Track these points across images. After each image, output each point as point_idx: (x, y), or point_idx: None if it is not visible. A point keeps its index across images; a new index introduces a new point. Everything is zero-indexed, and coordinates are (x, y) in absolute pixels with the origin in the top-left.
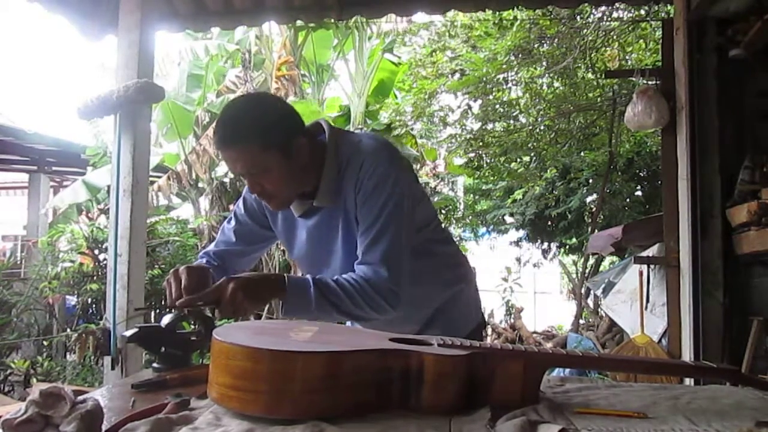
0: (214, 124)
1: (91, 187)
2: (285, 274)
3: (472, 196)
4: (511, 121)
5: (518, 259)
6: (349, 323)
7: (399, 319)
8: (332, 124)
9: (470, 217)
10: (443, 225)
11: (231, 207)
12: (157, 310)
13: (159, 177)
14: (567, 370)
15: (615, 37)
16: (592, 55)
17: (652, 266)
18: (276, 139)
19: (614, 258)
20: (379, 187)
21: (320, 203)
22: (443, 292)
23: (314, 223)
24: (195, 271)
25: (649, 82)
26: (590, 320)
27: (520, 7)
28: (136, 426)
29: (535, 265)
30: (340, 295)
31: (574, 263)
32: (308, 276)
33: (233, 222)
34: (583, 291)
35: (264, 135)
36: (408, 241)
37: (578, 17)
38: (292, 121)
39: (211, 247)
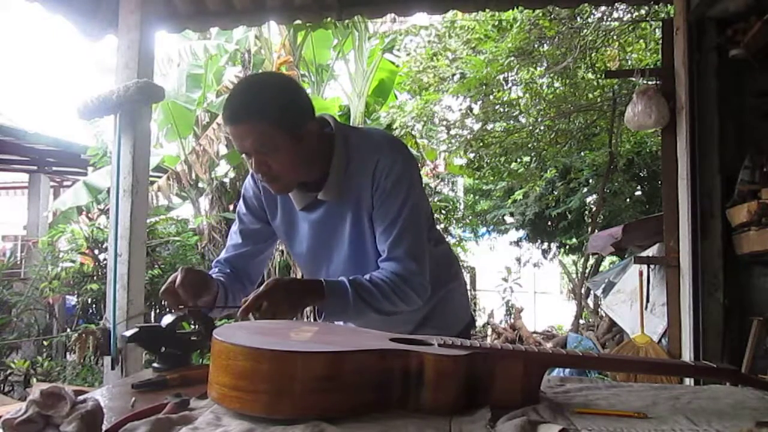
0: (226, 98)
1: (92, 188)
2: (323, 279)
3: (472, 196)
4: (512, 122)
5: (518, 259)
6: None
7: (394, 319)
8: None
9: (470, 217)
10: (437, 224)
11: (231, 207)
12: (157, 310)
13: (159, 177)
14: (567, 370)
15: (615, 37)
16: (592, 55)
17: (652, 266)
18: (290, 119)
19: (614, 258)
20: (397, 186)
21: (326, 197)
22: (437, 291)
23: (318, 217)
24: (190, 271)
25: (649, 82)
26: (590, 320)
27: (520, 7)
28: (136, 426)
29: (535, 265)
30: (376, 295)
31: (574, 263)
32: (343, 278)
33: (237, 223)
34: (583, 291)
35: (278, 113)
36: (425, 234)
37: (578, 17)
38: (306, 104)
39: (222, 254)
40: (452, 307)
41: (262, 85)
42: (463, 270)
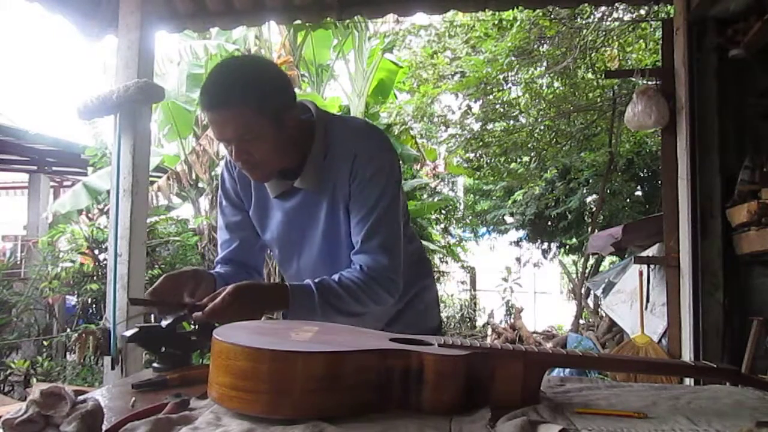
0: (203, 83)
1: (92, 190)
2: (288, 284)
3: (472, 196)
4: (511, 122)
5: (518, 259)
6: None
7: (365, 316)
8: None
9: (470, 217)
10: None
11: None
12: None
13: (159, 177)
14: (567, 370)
15: (615, 37)
16: (592, 55)
17: (652, 266)
18: (271, 106)
19: (614, 258)
20: (376, 176)
21: (302, 185)
22: (410, 289)
23: (293, 205)
24: (167, 279)
25: (649, 82)
26: (590, 320)
27: (520, 7)
28: (136, 426)
29: (535, 265)
30: (344, 298)
31: (574, 263)
32: (309, 282)
33: (220, 217)
34: (583, 291)
35: (260, 99)
36: (402, 228)
37: (578, 17)
38: (287, 90)
39: (219, 254)
40: (424, 306)
41: (242, 69)
42: (434, 271)
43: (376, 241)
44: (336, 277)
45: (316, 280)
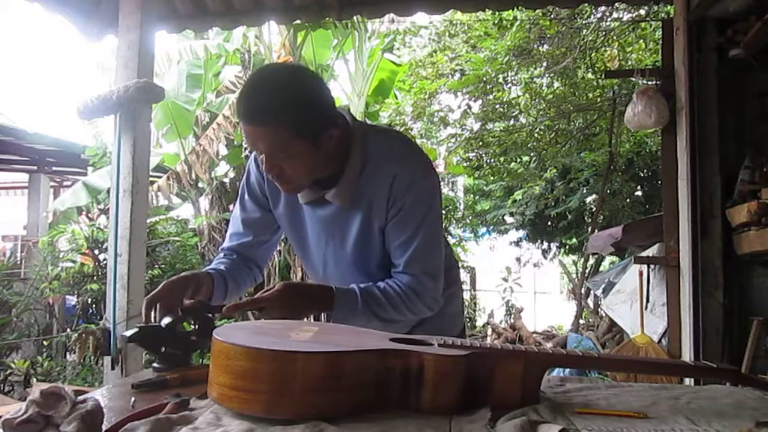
0: (241, 90)
1: (92, 189)
2: (334, 288)
3: (472, 196)
4: (511, 121)
5: (518, 259)
6: None
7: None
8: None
9: (470, 217)
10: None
11: (231, 207)
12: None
13: (159, 177)
14: (567, 370)
15: (615, 37)
16: (592, 55)
17: (652, 266)
18: (310, 128)
19: (614, 258)
20: (416, 204)
21: (334, 200)
22: None
23: (325, 215)
24: (169, 283)
25: (649, 82)
26: (590, 320)
27: (520, 7)
28: (136, 426)
29: (535, 265)
30: (386, 307)
31: (574, 263)
32: (354, 287)
33: (239, 209)
34: (583, 291)
35: (299, 120)
36: (443, 250)
37: (578, 17)
38: (329, 110)
39: (226, 242)
40: (449, 312)
41: (284, 83)
42: (461, 274)
43: (418, 267)
44: (381, 285)
45: (361, 286)
